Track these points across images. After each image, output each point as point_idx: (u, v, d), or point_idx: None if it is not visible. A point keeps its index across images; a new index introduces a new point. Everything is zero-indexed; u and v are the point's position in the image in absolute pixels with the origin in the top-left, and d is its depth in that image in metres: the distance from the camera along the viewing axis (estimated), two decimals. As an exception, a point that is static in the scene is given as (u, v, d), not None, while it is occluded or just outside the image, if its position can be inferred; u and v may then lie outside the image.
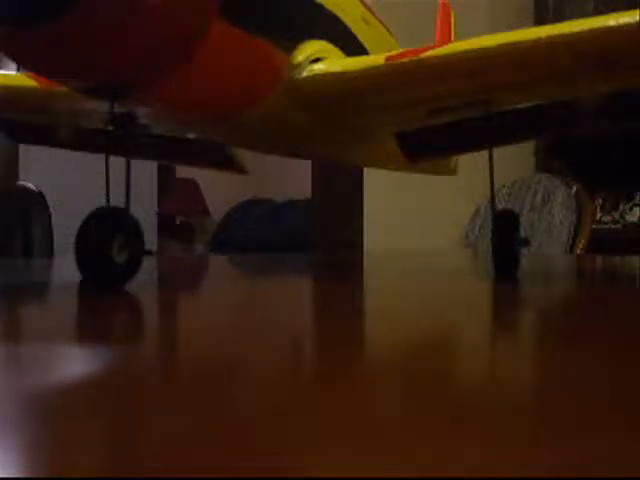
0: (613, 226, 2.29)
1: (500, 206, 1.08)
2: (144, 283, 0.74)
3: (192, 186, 3.79)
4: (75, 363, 0.36)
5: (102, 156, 0.72)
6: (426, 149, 1.00)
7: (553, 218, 1.78)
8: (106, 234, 0.65)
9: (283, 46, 0.74)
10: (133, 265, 0.67)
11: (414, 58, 0.73)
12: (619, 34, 0.66)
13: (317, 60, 0.76)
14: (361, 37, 0.89)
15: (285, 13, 0.75)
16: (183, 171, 3.64)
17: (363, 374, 0.32)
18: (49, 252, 1.47)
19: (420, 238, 2.16)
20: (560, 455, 0.20)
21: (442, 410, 0.25)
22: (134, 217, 0.68)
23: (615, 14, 0.66)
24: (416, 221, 2.21)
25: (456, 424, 0.23)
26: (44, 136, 1.00)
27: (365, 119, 0.86)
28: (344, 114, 0.82)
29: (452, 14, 1.61)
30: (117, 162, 0.71)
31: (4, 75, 0.86)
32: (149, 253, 0.71)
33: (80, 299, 0.67)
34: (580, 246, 1.66)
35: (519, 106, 0.88)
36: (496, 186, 0.89)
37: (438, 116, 0.86)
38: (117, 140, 0.72)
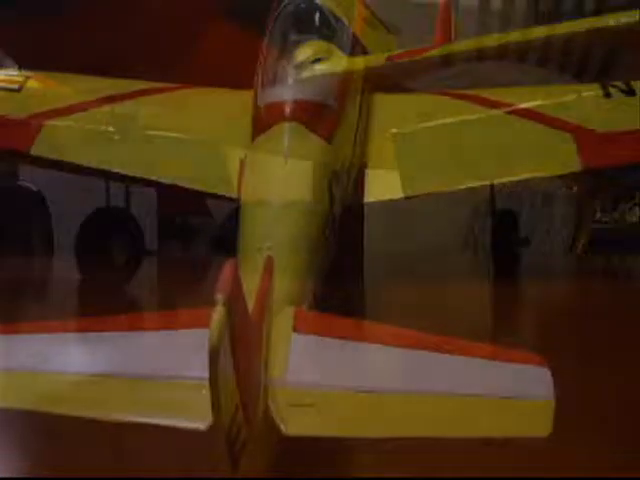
0: (613, 226, 2.28)
1: (500, 206, 1.08)
2: (144, 283, 0.74)
3: (192, 186, 3.79)
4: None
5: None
6: None
7: (553, 218, 1.78)
8: (106, 234, 0.65)
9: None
10: (133, 265, 0.67)
11: (414, 58, 0.73)
12: (619, 34, 0.66)
13: (317, 60, 0.76)
14: (361, 37, 0.88)
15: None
16: (183, 171, 3.65)
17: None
18: (49, 252, 1.46)
19: (420, 238, 2.16)
20: (560, 455, 0.20)
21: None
22: (134, 217, 0.68)
23: (615, 14, 0.66)
24: (416, 221, 2.20)
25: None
26: None
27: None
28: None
29: (452, 14, 1.61)
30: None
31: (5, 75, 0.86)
32: (149, 253, 0.71)
33: (80, 299, 0.66)
34: (580, 246, 1.66)
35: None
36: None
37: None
38: None
